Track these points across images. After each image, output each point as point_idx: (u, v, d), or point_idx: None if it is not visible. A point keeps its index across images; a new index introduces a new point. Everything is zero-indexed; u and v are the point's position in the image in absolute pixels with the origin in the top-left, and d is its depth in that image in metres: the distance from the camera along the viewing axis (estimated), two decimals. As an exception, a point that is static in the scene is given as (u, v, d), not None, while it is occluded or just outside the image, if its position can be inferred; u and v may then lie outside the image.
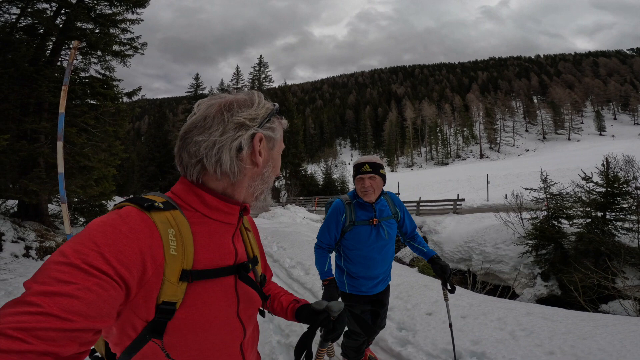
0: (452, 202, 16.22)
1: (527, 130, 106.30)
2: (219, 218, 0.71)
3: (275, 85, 40.12)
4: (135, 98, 9.91)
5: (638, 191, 9.40)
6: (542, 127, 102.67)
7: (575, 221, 9.66)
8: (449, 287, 2.15)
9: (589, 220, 9.24)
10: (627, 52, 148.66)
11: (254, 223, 0.95)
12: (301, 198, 28.80)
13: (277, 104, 0.78)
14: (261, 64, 37.40)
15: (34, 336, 0.42)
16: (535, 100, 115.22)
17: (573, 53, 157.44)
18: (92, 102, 7.86)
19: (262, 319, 1.15)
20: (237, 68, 42.65)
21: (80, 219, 9.09)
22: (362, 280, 2.13)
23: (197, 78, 47.56)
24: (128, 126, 11.22)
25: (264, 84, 36.52)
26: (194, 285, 0.63)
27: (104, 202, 9.36)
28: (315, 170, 40.47)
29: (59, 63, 7.61)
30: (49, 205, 8.61)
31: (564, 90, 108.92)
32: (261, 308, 0.79)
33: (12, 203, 8.34)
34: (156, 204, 0.63)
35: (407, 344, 2.92)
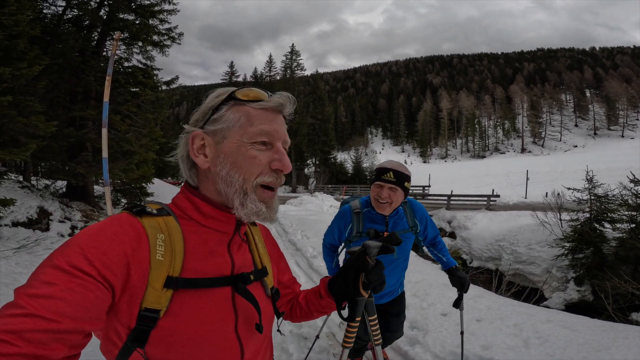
0: (485, 198, 15.56)
1: (576, 125, 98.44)
2: (213, 226, 0.68)
3: (307, 73, 40.03)
4: (173, 86, 10.32)
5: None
6: (593, 122, 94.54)
7: (618, 225, 8.98)
8: (457, 305, 2.05)
9: (634, 225, 8.57)
10: None
11: (267, 231, 0.89)
12: (329, 186, 28.96)
13: (241, 88, 0.69)
14: (293, 52, 37.47)
15: (21, 338, 0.43)
16: (588, 94, 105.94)
17: (632, 46, 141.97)
18: (134, 90, 8.28)
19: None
20: (270, 56, 43.13)
21: (122, 200, 9.74)
22: None
23: (231, 66, 48.75)
24: (167, 112, 11.79)
25: (296, 72, 36.65)
26: (180, 293, 0.60)
27: (144, 184, 9.94)
28: (345, 158, 40.27)
29: (104, 53, 8.08)
30: (95, 187, 9.29)
31: (621, 84, 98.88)
32: (258, 323, 0.69)
33: (61, 184, 9.06)
34: (148, 209, 0.63)
35: (415, 343, 2.89)
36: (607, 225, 9.23)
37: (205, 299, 0.63)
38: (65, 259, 0.51)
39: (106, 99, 4.07)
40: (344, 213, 1.95)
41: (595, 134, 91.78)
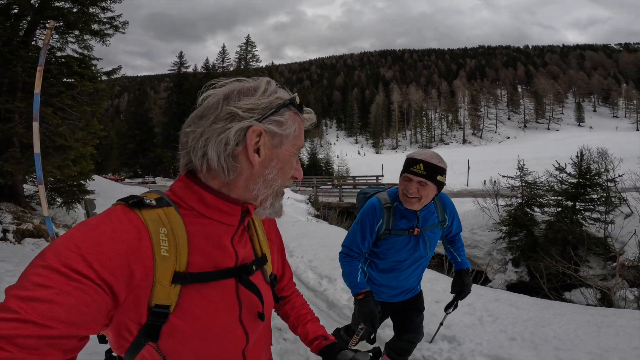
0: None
1: (509, 118, 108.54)
2: (217, 218, 0.64)
3: (263, 64, 39.08)
4: (115, 76, 9.61)
5: (608, 183, 9.93)
6: (524, 116, 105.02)
7: (546, 210, 10.13)
8: (450, 310, 2.05)
9: (560, 209, 9.72)
10: (615, 46, 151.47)
11: (272, 221, 0.86)
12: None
13: (296, 95, 0.67)
14: (248, 43, 36.28)
15: (13, 344, 0.41)
16: (520, 90, 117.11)
17: (561, 45, 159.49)
18: (69, 81, 7.57)
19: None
20: (224, 47, 41.41)
21: (58, 199, 8.89)
22: (384, 289, 1.87)
23: (181, 56, 46.07)
24: (106, 104, 10.83)
25: (251, 63, 35.57)
26: (188, 288, 0.59)
27: (82, 181, 9.16)
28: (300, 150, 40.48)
29: (33, 43, 7.25)
30: (25, 186, 8.37)
31: (548, 81, 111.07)
32: (260, 312, 0.71)
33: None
34: (146, 200, 0.58)
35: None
36: (536, 209, 10.35)
37: (211, 292, 0.63)
38: (61, 259, 0.47)
39: (37, 90, 3.62)
40: (374, 208, 1.70)
41: (525, 126, 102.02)
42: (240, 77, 0.67)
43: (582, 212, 9.52)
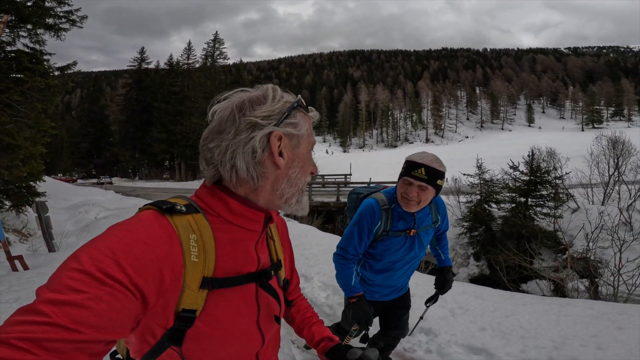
0: (399, 185, 17.09)
1: (468, 119, 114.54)
2: (242, 224, 0.67)
3: (230, 62, 38.04)
4: (69, 72, 9.00)
5: (556, 180, 10.81)
6: (480, 117, 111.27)
7: (502, 206, 10.82)
8: (430, 303, 2.12)
9: (514, 205, 10.44)
10: (564, 50, 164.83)
11: (283, 222, 0.89)
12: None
13: (299, 96, 0.71)
14: (216, 40, 35.09)
15: (40, 347, 0.41)
16: (478, 91, 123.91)
17: (516, 49, 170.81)
18: (18, 77, 6.98)
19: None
20: (189, 43, 39.94)
21: (6, 202, 8.15)
22: (378, 288, 1.89)
23: (142, 52, 43.84)
24: (58, 100, 10.13)
25: (218, 60, 34.47)
26: (214, 293, 0.61)
27: (32, 183, 8.46)
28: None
29: (-19, 37, 6.59)
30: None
31: (503, 83, 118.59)
32: (277, 315, 0.75)
33: None
34: (178, 206, 0.60)
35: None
36: (493, 205, 11.04)
37: (234, 296, 0.65)
38: (95, 263, 0.48)
39: (-21, 85, 3.28)
40: (372, 210, 1.68)
41: (482, 126, 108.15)
42: (243, 88, 0.69)
43: (534, 207, 10.28)
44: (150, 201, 0.62)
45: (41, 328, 0.42)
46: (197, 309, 0.59)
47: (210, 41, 35.19)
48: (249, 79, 44.78)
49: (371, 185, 2.17)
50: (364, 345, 0.82)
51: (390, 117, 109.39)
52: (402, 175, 1.61)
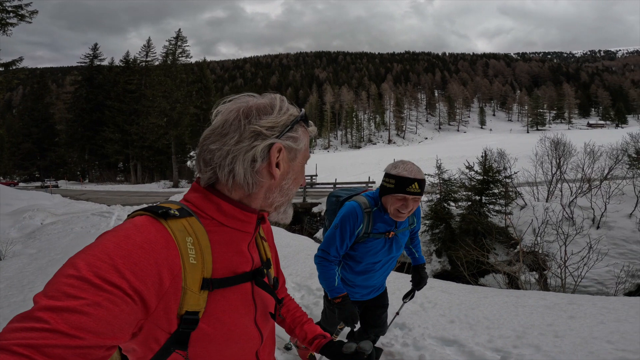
0: (364, 184, 17.42)
1: (427, 120, 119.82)
2: (235, 226, 0.68)
3: (193, 60, 36.54)
4: (14, 68, 8.20)
5: (506, 179, 11.59)
6: (439, 119, 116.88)
7: (460, 204, 11.41)
8: (407, 299, 2.22)
9: (470, 203, 11.03)
10: (514, 56, 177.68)
11: (268, 223, 0.90)
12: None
13: (303, 110, 0.73)
14: (179, 38, 33.35)
15: (41, 353, 0.41)
16: (436, 94, 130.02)
17: (471, 53, 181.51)
18: None
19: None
20: (149, 40, 37.93)
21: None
22: (358, 289, 1.94)
23: (95, 48, 41.08)
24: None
25: (180, 58, 32.80)
26: (214, 293, 0.63)
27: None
28: (230, 150, 39.17)
29: None
30: None
31: (459, 86, 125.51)
32: (271, 312, 0.78)
33: None
34: (171, 211, 0.60)
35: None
36: (452, 204, 11.59)
37: (233, 296, 0.67)
38: (93, 269, 0.48)
39: None
40: (355, 213, 1.70)
41: (439, 128, 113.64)
42: (249, 93, 0.71)
43: (487, 205, 10.95)
44: (143, 206, 0.64)
45: (41, 334, 0.42)
46: (200, 311, 0.60)
47: (172, 39, 33.45)
48: (212, 78, 43.26)
49: (351, 187, 2.20)
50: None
51: (354, 119, 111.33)
52: (394, 191, 1.60)
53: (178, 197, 17.03)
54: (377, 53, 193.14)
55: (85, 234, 8.07)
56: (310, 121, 0.76)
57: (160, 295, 0.55)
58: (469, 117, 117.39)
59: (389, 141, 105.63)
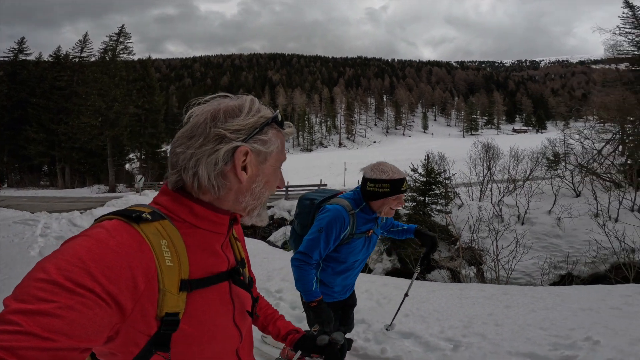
0: (316, 187, 17.60)
1: (375, 124, 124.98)
2: (208, 227, 0.68)
3: (136, 57, 33.84)
4: None
5: (446, 181, 12.51)
6: (386, 123, 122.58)
7: (406, 204, 12.04)
8: (419, 267, 2.18)
9: (415, 203, 11.70)
10: (454, 64, 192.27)
11: (240, 229, 0.90)
12: (161, 183, 25.76)
13: (277, 112, 0.71)
14: (121, 34, 30.58)
15: (15, 355, 0.41)
16: (385, 99, 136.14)
17: (417, 60, 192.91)
18: None
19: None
20: (86, 34, 34.32)
21: None
22: (337, 288, 1.97)
23: (21, 42, 36.46)
24: None
25: (121, 55, 30.12)
26: (193, 294, 0.63)
27: None
28: (178, 152, 37.01)
29: None
30: None
31: (406, 92, 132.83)
32: (249, 310, 0.79)
33: None
34: (144, 214, 0.60)
35: (303, 319, 3.10)
36: (399, 204, 12.22)
37: (212, 296, 0.67)
38: (64, 273, 0.48)
39: None
40: (342, 217, 1.72)
41: (387, 132, 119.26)
42: (224, 93, 0.70)
43: (430, 205, 11.73)
44: (113, 210, 0.62)
45: (14, 337, 0.42)
46: (180, 312, 0.60)
47: (114, 34, 30.45)
48: (157, 76, 40.47)
49: (322, 189, 2.20)
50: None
51: (306, 122, 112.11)
52: (390, 194, 1.70)
53: (116, 202, 15.69)
54: (330, 57, 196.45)
55: (9, 244, 7.08)
56: (287, 122, 0.74)
57: (136, 299, 0.54)
58: (413, 121, 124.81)
59: (340, 144, 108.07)
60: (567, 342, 2.50)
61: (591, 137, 14.80)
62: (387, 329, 2.82)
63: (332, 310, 1.91)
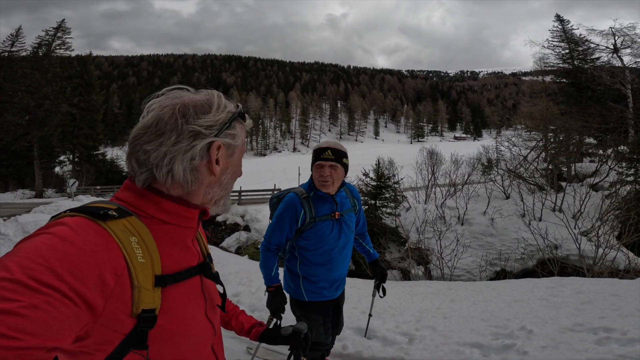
0: (270, 192, 17.39)
1: (329, 130, 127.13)
2: (178, 222, 0.68)
3: (75, 53, 30.69)
4: None
5: (395, 185, 13.14)
6: (340, 128, 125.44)
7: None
8: (380, 293, 2.25)
9: (367, 207, 12.12)
10: (405, 72, 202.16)
11: (200, 225, 0.91)
12: (98, 187, 23.60)
13: (240, 106, 0.74)
14: (60, 28, 27.47)
15: None
16: (339, 105, 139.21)
17: (372, 68, 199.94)
18: None
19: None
20: (20, 28, 30.27)
21: None
22: (323, 284, 1.92)
23: None
24: None
25: (57, 50, 27.11)
26: (168, 289, 0.62)
27: None
28: (117, 155, 33.81)
29: None
30: None
31: (359, 99, 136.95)
32: (220, 304, 0.80)
33: None
34: (110, 212, 0.58)
35: (263, 321, 3.16)
36: (352, 208, 12.57)
37: (185, 290, 0.67)
38: (27, 272, 0.46)
39: None
40: (292, 203, 1.80)
41: (340, 137, 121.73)
42: (181, 86, 0.70)
43: (381, 208, 12.23)
44: (71, 207, 0.59)
45: None
46: (157, 308, 0.59)
47: (51, 29, 27.20)
48: (97, 74, 37.12)
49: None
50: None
51: (260, 126, 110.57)
52: (313, 161, 1.80)
53: (45, 208, 14.04)
54: (288, 61, 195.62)
55: None
56: (246, 115, 0.77)
57: (106, 297, 0.53)
58: (365, 127, 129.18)
59: (294, 149, 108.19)
60: (505, 331, 2.78)
61: (518, 145, 16.64)
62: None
63: (324, 311, 1.97)
